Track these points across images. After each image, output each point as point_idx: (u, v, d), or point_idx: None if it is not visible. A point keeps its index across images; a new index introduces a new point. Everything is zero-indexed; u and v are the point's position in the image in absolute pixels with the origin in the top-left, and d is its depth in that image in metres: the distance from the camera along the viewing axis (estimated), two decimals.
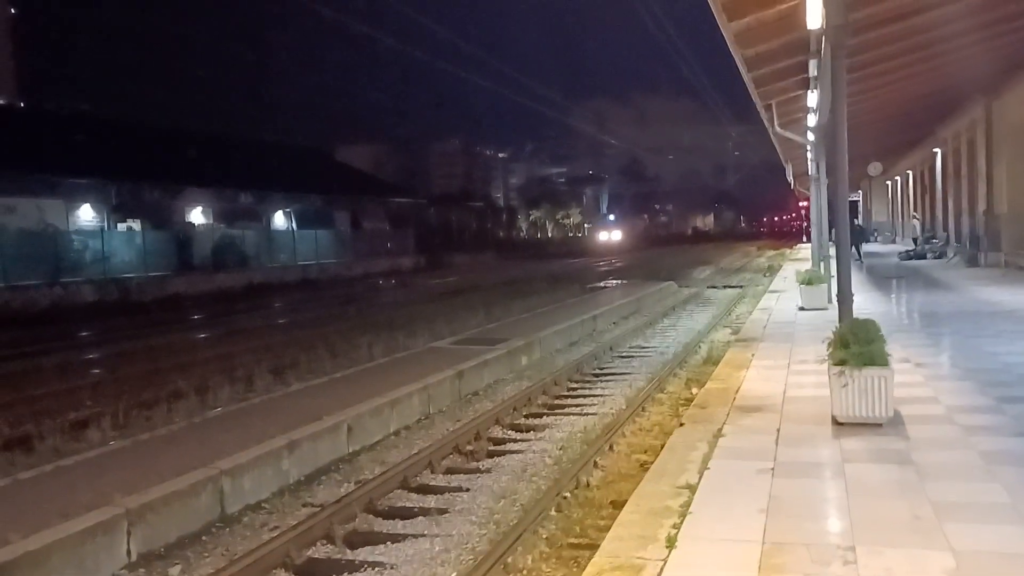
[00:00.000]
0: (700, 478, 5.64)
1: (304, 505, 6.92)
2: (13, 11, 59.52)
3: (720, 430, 6.89)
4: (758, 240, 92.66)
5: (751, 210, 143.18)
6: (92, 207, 35.30)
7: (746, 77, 12.66)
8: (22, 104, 53.56)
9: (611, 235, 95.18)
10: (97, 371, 13.71)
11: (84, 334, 20.04)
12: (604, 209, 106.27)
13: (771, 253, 56.57)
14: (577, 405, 10.38)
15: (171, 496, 6.14)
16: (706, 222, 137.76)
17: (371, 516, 6.65)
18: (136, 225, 36.36)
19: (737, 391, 8.48)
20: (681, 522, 4.85)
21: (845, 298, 7.65)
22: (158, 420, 9.00)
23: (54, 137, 36.30)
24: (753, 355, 10.72)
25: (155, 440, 7.78)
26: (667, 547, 4.51)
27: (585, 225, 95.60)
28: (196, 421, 8.58)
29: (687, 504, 5.15)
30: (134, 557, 5.71)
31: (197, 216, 41.14)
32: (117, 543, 5.63)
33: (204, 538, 6.21)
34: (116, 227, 35.64)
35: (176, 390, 10.69)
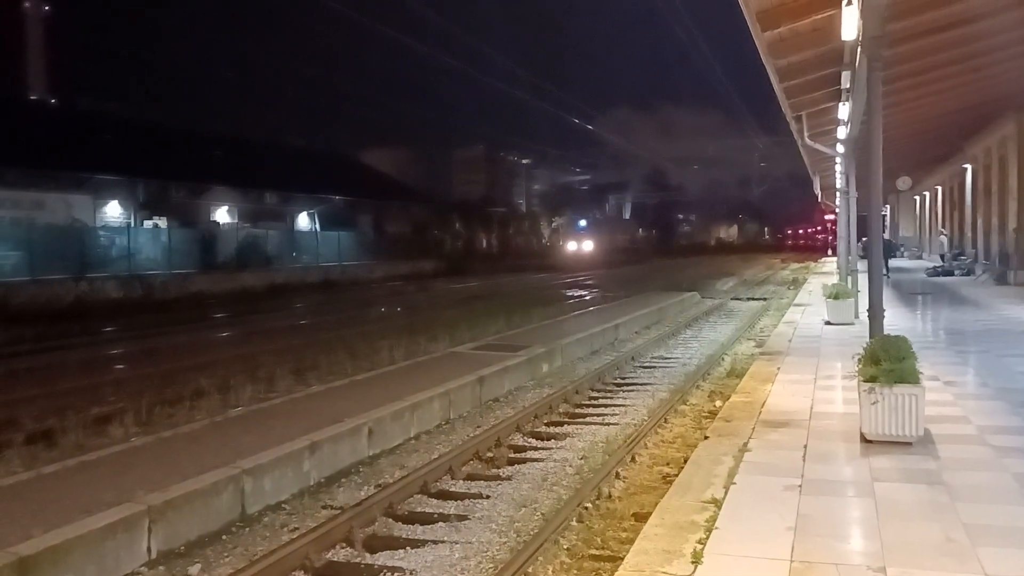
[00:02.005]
0: (726, 493, 5.56)
1: (324, 507, 6.89)
2: (47, 8, 60.29)
3: (746, 444, 6.80)
4: (782, 252, 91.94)
5: (776, 222, 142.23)
6: (119, 204, 35.72)
7: (777, 88, 12.55)
8: (53, 101, 54.13)
9: (581, 246, 75.40)
10: (120, 367, 13.79)
11: (108, 330, 20.19)
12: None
13: (795, 266, 56.16)
14: (599, 415, 10.29)
15: (192, 494, 6.13)
16: (730, 233, 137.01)
17: (391, 520, 6.61)
18: (162, 223, 36.69)
19: (763, 405, 8.37)
20: (707, 537, 4.77)
21: (876, 314, 7.52)
22: (181, 418, 9.02)
23: (84, 135, 36.73)
24: (779, 369, 10.60)
25: (177, 438, 7.78)
26: (693, 563, 4.43)
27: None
28: (218, 420, 8.58)
29: (713, 519, 5.07)
30: (154, 554, 5.71)
31: (222, 215, 41.48)
32: (138, 540, 5.62)
33: (224, 537, 6.19)
34: (142, 224, 35.99)
35: (198, 388, 10.70)
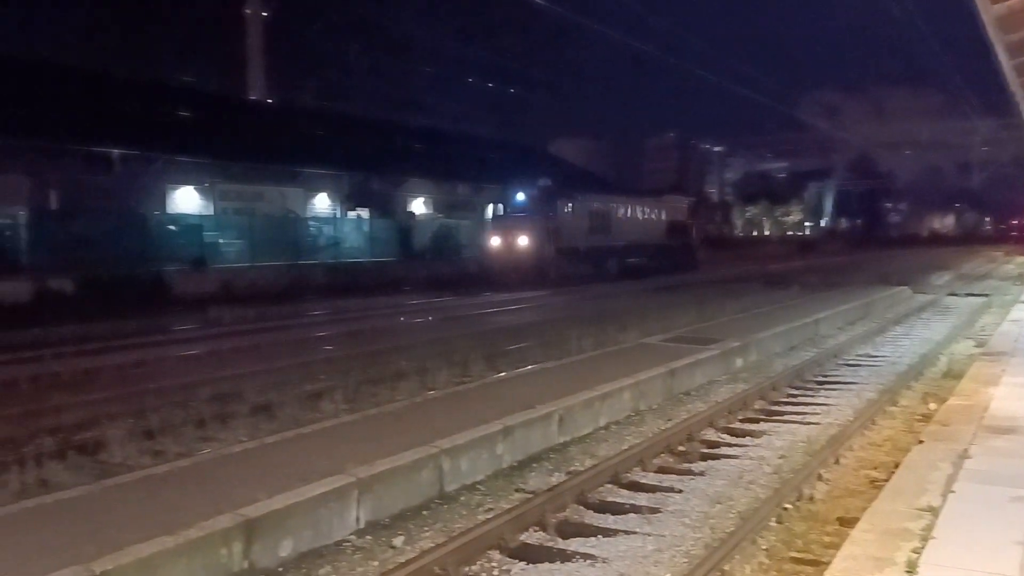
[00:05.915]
0: (943, 501, 5.16)
1: (517, 490, 7.04)
2: (265, 14, 65.25)
3: (966, 451, 6.28)
4: (1006, 245, 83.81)
5: (998, 212, 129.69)
6: (327, 196, 38.17)
7: (1006, 65, 11.47)
8: (270, 100, 58.57)
9: (511, 240, 31.38)
10: (329, 347, 14.75)
11: (317, 313, 21.67)
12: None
13: (1021, 260, 51.10)
14: (798, 413, 9.85)
15: (396, 470, 6.45)
16: (945, 223, 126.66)
17: (582, 508, 6.64)
18: (364, 213, 38.85)
19: (985, 409, 7.70)
20: (922, 546, 4.45)
21: None
22: (383, 397, 9.54)
23: (297, 131, 39.52)
24: (1004, 371, 9.70)
25: (381, 416, 8.22)
26: (907, 572, 4.15)
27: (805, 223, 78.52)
28: (417, 400, 8.98)
29: (929, 528, 4.72)
30: (362, 524, 6.06)
31: (418, 206, 43.30)
32: (348, 510, 5.99)
33: (424, 513, 6.47)
34: (346, 215, 38.28)
35: (398, 370, 11.27)
